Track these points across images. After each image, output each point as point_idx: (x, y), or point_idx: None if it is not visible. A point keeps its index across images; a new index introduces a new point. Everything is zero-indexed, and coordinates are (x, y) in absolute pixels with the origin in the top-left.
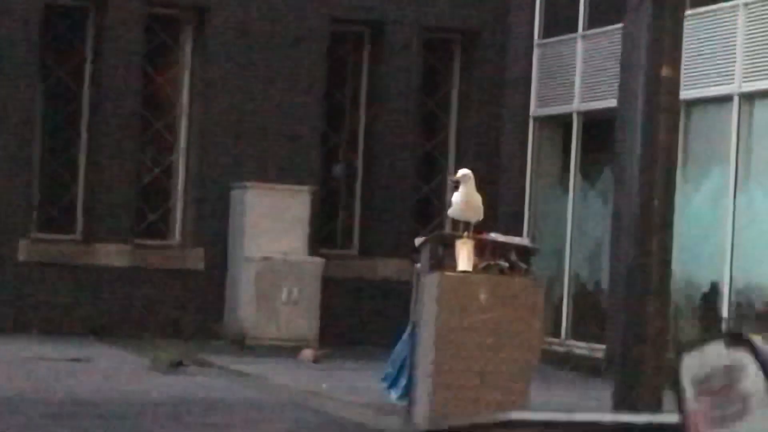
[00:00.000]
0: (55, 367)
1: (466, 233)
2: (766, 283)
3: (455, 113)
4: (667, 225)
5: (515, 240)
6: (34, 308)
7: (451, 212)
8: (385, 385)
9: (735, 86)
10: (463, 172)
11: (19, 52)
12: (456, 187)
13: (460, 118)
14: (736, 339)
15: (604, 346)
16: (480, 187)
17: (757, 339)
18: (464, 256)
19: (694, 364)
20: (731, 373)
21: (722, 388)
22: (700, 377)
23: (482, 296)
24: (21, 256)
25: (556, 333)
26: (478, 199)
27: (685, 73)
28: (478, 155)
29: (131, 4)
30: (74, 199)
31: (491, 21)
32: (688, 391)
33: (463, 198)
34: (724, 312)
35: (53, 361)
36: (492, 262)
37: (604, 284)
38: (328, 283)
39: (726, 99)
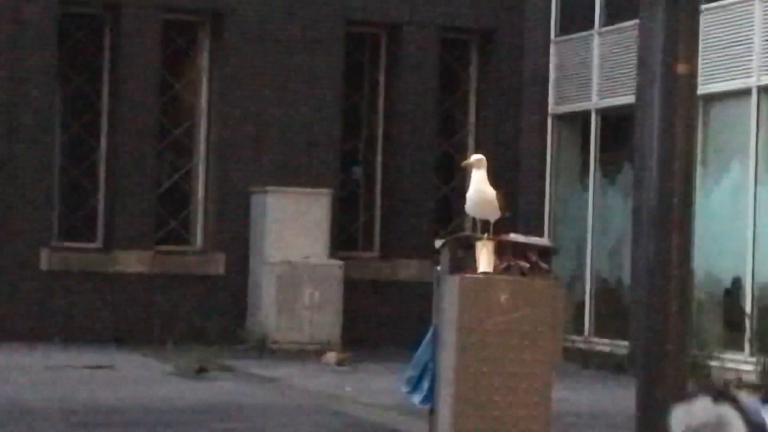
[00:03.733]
0: (79, 374)
1: (485, 234)
2: None
3: (473, 113)
4: (686, 221)
5: (535, 240)
6: (57, 316)
7: (467, 208)
8: (407, 389)
9: (753, 80)
10: (477, 157)
11: (37, 61)
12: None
13: (478, 117)
14: (723, 395)
15: (627, 343)
16: (500, 186)
17: (742, 395)
18: (484, 258)
19: (682, 418)
20: (718, 428)
21: None
22: (688, 430)
23: (503, 297)
24: (43, 265)
25: (579, 330)
26: (491, 193)
27: (703, 68)
28: (496, 154)
29: (147, 11)
30: (94, 207)
31: (507, 20)
32: None
33: (476, 192)
34: (747, 306)
35: (76, 368)
36: (512, 263)
37: (626, 281)
38: (349, 286)
39: (744, 93)
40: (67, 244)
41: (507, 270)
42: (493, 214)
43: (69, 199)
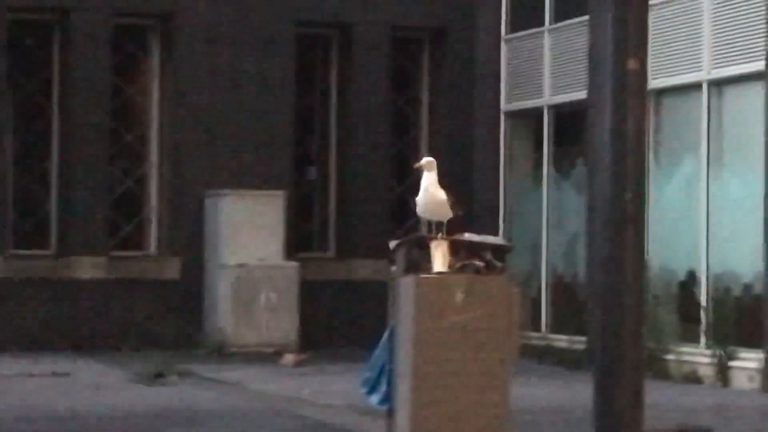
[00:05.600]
0: (36, 383)
1: (439, 234)
2: (742, 269)
3: (426, 111)
4: (639, 217)
5: (490, 239)
6: (12, 325)
7: (418, 211)
8: (364, 390)
9: (703, 73)
10: (427, 159)
11: None
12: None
13: (431, 116)
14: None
15: (584, 338)
16: (454, 185)
17: None
18: (439, 258)
19: None
20: None
21: None
22: None
23: (458, 297)
24: None
25: (536, 327)
26: (441, 195)
27: (653, 62)
28: (450, 152)
29: (95, 16)
30: (48, 214)
31: (458, 18)
32: None
33: (425, 195)
34: (703, 300)
35: (33, 377)
36: (467, 263)
37: (582, 276)
38: (305, 287)
39: (695, 86)
40: (20, 251)
41: (462, 269)
42: (445, 215)
43: (22, 206)
